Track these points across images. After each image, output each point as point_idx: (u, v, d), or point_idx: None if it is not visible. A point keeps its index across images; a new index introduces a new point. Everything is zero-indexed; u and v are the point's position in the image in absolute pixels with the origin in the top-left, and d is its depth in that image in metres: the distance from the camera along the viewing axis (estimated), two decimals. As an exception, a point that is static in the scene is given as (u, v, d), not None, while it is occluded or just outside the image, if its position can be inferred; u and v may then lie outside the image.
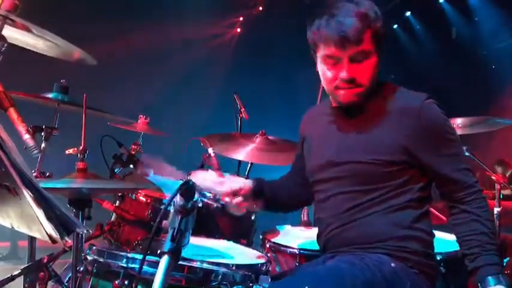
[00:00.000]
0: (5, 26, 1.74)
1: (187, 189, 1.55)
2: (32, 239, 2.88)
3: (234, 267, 2.05)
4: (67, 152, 2.50)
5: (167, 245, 1.50)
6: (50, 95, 3.17)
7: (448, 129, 1.94)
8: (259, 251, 2.56)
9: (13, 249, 5.65)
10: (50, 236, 1.17)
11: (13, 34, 1.88)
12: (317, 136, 2.15)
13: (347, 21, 1.84)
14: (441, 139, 1.91)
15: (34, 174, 2.90)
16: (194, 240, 2.28)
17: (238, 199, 2.10)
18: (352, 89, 1.92)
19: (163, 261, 1.49)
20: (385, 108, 1.95)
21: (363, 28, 1.85)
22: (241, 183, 2.13)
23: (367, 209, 1.92)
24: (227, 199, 2.12)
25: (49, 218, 1.16)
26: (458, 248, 2.63)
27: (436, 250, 2.03)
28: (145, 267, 1.89)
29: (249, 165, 3.61)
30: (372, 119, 1.96)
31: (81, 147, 2.28)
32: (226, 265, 2.06)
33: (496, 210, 3.04)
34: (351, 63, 1.89)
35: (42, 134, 3.09)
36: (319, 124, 2.15)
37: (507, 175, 4.71)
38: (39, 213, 1.16)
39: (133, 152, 3.40)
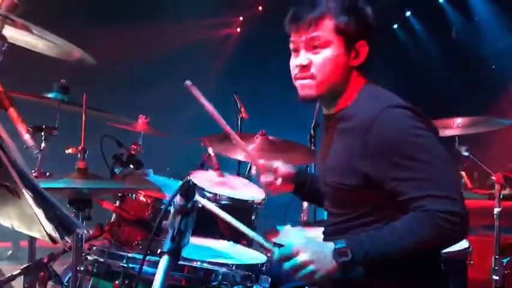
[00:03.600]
0: (5, 25, 1.73)
1: (187, 190, 1.55)
2: (32, 239, 2.88)
3: (234, 267, 2.05)
4: (67, 151, 2.50)
5: (167, 245, 1.50)
6: (50, 95, 3.18)
7: (406, 145, 1.71)
8: (260, 251, 2.56)
9: (16, 250, 5.65)
10: (50, 236, 1.18)
11: (13, 34, 1.88)
12: (321, 147, 2.11)
13: (304, 8, 1.87)
14: (395, 160, 1.70)
15: (34, 174, 2.90)
16: (194, 240, 2.28)
17: (277, 180, 2.12)
18: (305, 79, 1.86)
19: (164, 261, 1.49)
20: (350, 121, 1.83)
21: (319, 14, 1.83)
22: (284, 167, 2.15)
23: (343, 232, 1.86)
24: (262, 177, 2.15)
25: (49, 218, 1.16)
26: (458, 248, 2.63)
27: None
28: (145, 267, 1.90)
29: (249, 165, 3.61)
30: (342, 134, 1.87)
31: (80, 147, 2.28)
32: (226, 265, 2.06)
33: (496, 210, 3.03)
34: (306, 50, 1.86)
35: (42, 134, 3.10)
36: (326, 133, 2.07)
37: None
38: (39, 214, 1.16)
39: (133, 152, 3.40)
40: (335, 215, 1.94)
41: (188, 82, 2.00)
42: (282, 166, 2.16)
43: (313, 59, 1.85)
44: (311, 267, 1.65)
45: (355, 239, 1.70)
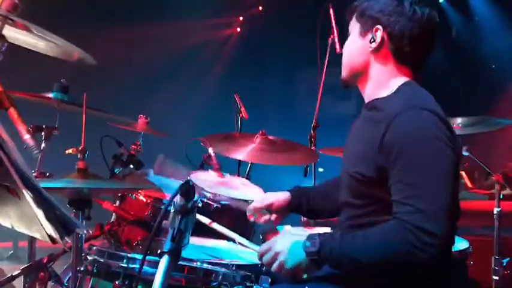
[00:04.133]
0: (5, 25, 1.73)
1: (188, 190, 1.55)
2: (32, 239, 2.88)
3: (234, 268, 2.05)
4: (67, 151, 2.50)
5: (167, 245, 1.51)
6: (50, 95, 3.17)
7: (411, 150, 1.67)
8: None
9: (16, 250, 5.65)
10: (49, 236, 1.18)
11: (13, 34, 1.88)
12: (347, 140, 2.10)
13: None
14: (401, 160, 1.67)
15: (34, 174, 2.90)
16: (194, 240, 2.28)
17: (272, 216, 2.24)
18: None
19: (164, 261, 1.49)
20: (379, 113, 1.84)
21: (353, 7, 1.99)
22: (272, 198, 2.23)
23: (355, 223, 1.85)
24: (255, 216, 2.27)
25: (49, 218, 1.16)
26: (458, 248, 2.63)
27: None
28: (145, 268, 1.89)
29: (249, 165, 3.61)
30: (369, 124, 1.88)
31: (80, 147, 2.28)
32: (226, 265, 2.06)
33: (496, 210, 3.04)
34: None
35: (42, 134, 3.10)
36: (354, 125, 2.09)
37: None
38: (39, 214, 1.16)
39: (133, 152, 3.39)
40: (351, 206, 1.91)
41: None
42: (275, 198, 2.24)
43: (345, 44, 2.04)
44: (281, 257, 1.74)
45: (328, 235, 1.74)
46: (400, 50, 1.89)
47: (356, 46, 1.96)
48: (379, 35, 1.89)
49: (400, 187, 1.66)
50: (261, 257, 1.82)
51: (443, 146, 1.68)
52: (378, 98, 1.91)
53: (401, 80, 1.90)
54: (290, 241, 1.76)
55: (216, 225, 2.21)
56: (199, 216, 1.94)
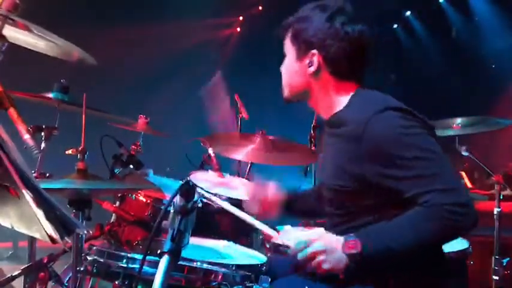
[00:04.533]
0: (6, 25, 1.73)
1: (187, 190, 1.55)
2: (32, 240, 2.88)
3: (234, 268, 2.05)
4: (67, 152, 2.50)
5: (167, 245, 1.51)
6: (50, 95, 3.17)
7: (398, 147, 1.71)
8: (260, 251, 2.56)
9: (16, 250, 5.65)
10: (50, 236, 1.17)
11: (14, 34, 1.88)
12: (321, 152, 2.17)
13: None
14: (391, 164, 1.71)
15: (34, 174, 2.90)
16: (194, 241, 2.28)
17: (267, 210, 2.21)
18: None
19: (164, 261, 1.49)
20: (342, 126, 1.87)
21: (285, 26, 2.03)
22: (268, 192, 2.22)
23: (344, 232, 1.82)
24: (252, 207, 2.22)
25: (49, 219, 1.16)
26: (458, 248, 2.64)
27: None
28: (145, 268, 1.90)
29: (249, 165, 3.61)
30: (335, 138, 1.92)
31: (80, 148, 2.28)
32: (226, 265, 2.06)
33: (496, 210, 3.04)
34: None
35: (42, 134, 3.10)
36: (323, 138, 2.13)
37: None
38: (39, 214, 1.15)
39: (133, 152, 3.39)
40: (336, 216, 1.95)
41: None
42: (270, 192, 2.23)
43: (283, 65, 2.07)
44: (321, 257, 1.69)
45: (363, 233, 1.71)
46: (338, 70, 1.93)
47: (294, 69, 2.00)
48: (315, 59, 1.93)
49: (413, 181, 1.68)
50: (298, 250, 1.76)
51: (421, 131, 1.74)
52: (334, 114, 1.94)
53: (348, 93, 1.94)
54: (329, 240, 1.72)
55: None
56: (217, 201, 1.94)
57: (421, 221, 1.66)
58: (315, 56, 1.92)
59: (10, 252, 5.59)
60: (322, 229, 1.81)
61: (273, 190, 2.23)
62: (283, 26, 2.03)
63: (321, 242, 1.72)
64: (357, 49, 1.92)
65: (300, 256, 1.73)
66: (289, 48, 2.02)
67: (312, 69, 1.93)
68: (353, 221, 1.85)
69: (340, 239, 1.70)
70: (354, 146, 1.76)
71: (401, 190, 1.70)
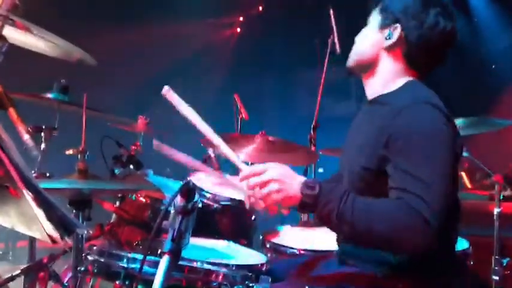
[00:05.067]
0: (5, 26, 1.73)
1: (188, 190, 1.55)
2: (32, 240, 2.88)
3: (234, 268, 2.05)
4: (67, 152, 2.50)
5: (167, 246, 1.51)
6: (50, 95, 3.17)
7: (419, 142, 1.68)
8: (260, 251, 2.56)
9: (6, 250, 5.60)
10: (50, 237, 1.17)
11: (13, 34, 1.88)
12: (348, 136, 2.10)
13: None
14: (406, 149, 1.68)
15: (34, 174, 2.90)
16: (194, 241, 2.28)
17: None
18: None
19: (164, 261, 1.49)
20: (384, 106, 1.85)
21: None
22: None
23: None
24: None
25: (49, 219, 1.16)
26: (458, 249, 2.63)
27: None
28: (145, 268, 1.89)
29: (249, 165, 3.61)
30: (375, 117, 1.87)
31: (80, 148, 2.28)
32: (226, 265, 2.06)
33: (496, 211, 3.04)
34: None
35: (42, 134, 3.10)
36: (355, 121, 2.10)
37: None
38: (39, 214, 1.15)
39: (133, 153, 3.39)
40: None
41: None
42: None
43: (360, 34, 2.02)
44: (275, 185, 1.63)
45: (330, 185, 1.66)
46: (412, 54, 1.89)
47: (371, 37, 1.96)
48: (396, 33, 1.89)
49: (405, 177, 1.65)
50: (247, 176, 1.68)
51: (446, 142, 1.70)
52: (383, 94, 1.92)
53: (407, 79, 1.92)
54: (289, 174, 1.66)
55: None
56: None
57: (390, 207, 1.62)
58: (397, 30, 1.88)
59: (3, 252, 5.55)
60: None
61: None
62: None
63: (277, 171, 1.65)
64: (440, 44, 1.91)
65: (252, 181, 1.65)
66: (374, 17, 1.97)
67: (389, 42, 1.89)
68: None
69: (301, 177, 1.67)
70: (386, 127, 1.74)
71: (393, 179, 1.68)
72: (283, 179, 1.64)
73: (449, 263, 1.86)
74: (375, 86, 1.95)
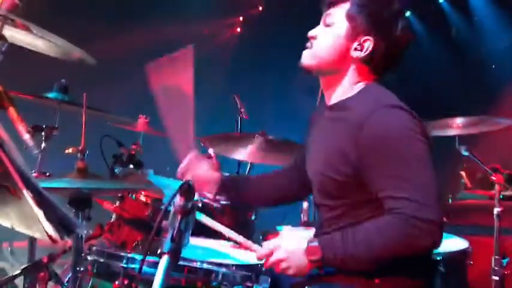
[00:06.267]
0: (5, 25, 1.73)
1: (187, 190, 1.55)
2: (32, 240, 2.88)
3: (234, 268, 2.05)
4: (67, 151, 2.50)
5: (167, 246, 1.50)
6: (50, 95, 3.18)
7: (395, 144, 1.72)
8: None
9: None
10: (50, 236, 1.17)
11: (13, 34, 1.88)
12: (311, 139, 2.12)
13: None
14: (382, 156, 1.71)
15: (34, 174, 2.90)
16: (194, 241, 2.28)
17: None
18: (306, 49, 1.94)
19: (163, 261, 1.49)
20: (346, 111, 1.86)
21: None
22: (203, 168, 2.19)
23: (334, 224, 1.87)
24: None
25: (49, 219, 1.16)
26: (457, 248, 2.64)
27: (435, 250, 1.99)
28: (145, 268, 1.89)
29: (249, 165, 3.61)
30: (337, 122, 1.89)
31: (80, 147, 2.28)
32: (226, 265, 2.06)
33: (496, 210, 3.03)
34: (322, 24, 1.94)
35: (42, 133, 3.10)
36: (316, 124, 2.12)
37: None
38: (39, 214, 1.15)
39: (133, 152, 3.40)
40: (327, 208, 1.92)
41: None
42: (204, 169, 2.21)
43: (320, 33, 1.93)
44: (284, 264, 1.73)
45: (327, 238, 1.73)
46: (378, 63, 1.90)
47: (337, 45, 1.89)
48: (367, 45, 1.87)
49: (387, 182, 1.69)
50: (261, 258, 1.79)
51: (419, 138, 1.73)
52: (343, 99, 1.92)
53: (365, 82, 1.92)
54: (293, 248, 1.74)
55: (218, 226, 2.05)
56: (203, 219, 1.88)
57: (387, 229, 1.66)
58: (367, 42, 1.86)
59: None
60: (287, 233, 1.84)
61: (206, 168, 2.21)
62: None
63: (281, 250, 1.74)
64: (403, 50, 1.92)
65: (267, 264, 1.77)
66: (340, 20, 1.89)
67: (359, 54, 1.87)
68: (346, 212, 1.84)
69: (303, 243, 1.72)
70: (355, 132, 1.75)
71: (378, 187, 1.71)
72: (290, 256, 1.72)
73: (428, 265, 1.89)
74: (334, 93, 1.94)
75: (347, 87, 1.91)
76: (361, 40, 1.87)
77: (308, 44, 1.94)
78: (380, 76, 1.94)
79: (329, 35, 1.91)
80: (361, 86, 1.91)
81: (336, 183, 1.83)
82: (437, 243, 1.66)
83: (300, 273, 1.73)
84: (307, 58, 1.94)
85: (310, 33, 1.94)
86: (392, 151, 1.71)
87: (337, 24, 1.89)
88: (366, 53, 1.87)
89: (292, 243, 1.75)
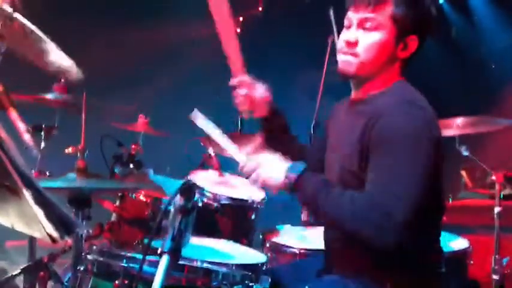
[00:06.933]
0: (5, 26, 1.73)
1: (188, 189, 1.55)
2: (32, 239, 2.88)
3: (234, 267, 2.05)
4: (66, 150, 2.50)
5: (167, 245, 1.50)
6: (50, 95, 3.18)
7: (399, 141, 1.70)
8: (260, 251, 2.56)
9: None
10: (50, 236, 1.17)
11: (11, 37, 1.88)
12: (332, 130, 2.11)
13: None
14: (382, 150, 1.71)
15: (34, 174, 2.90)
16: (194, 240, 2.28)
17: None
18: (348, 55, 1.86)
19: (163, 260, 1.49)
20: (370, 106, 1.86)
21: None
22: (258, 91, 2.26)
23: None
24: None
25: (49, 218, 1.16)
26: (458, 248, 2.64)
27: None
28: (145, 267, 1.89)
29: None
30: (360, 116, 1.86)
31: (80, 146, 2.28)
32: (226, 265, 2.06)
33: (496, 209, 3.04)
34: (358, 28, 1.85)
35: (42, 133, 3.10)
36: (335, 119, 2.10)
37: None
38: (39, 213, 1.15)
39: (133, 152, 3.40)
40: None
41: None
42: (259, 91, 2.26)
43: (362, 38, 1.84)
44: (263, 172, 1.79)
45: (312, 174, 1.78)
46: (412, 59, 1.91)
47: (386, 49, 1.85)
48: (413, 45, 1.86)
49: (377, 170, 1.70)
50: (242, 167, 1.86)
51: (428, 143, 1.71)
52: (371, 94, 1.90)
53: (396, 77, 1.91)
54: (275, 159, 1.82)
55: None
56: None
57: (355, 202, 1.65)
58: (413, 42, 1.86)
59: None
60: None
61: (262, 90, 2.25)
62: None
63: (265, 158, 1.83)
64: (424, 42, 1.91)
65: (245, 169, 1.84)
66: (385, 24, 1.83)
67: (405, 54, 1.87)
68: None
69: (286, 165, 1.78)
70: (372, 125, 1.75)
71: (370, 174, 1.71)
72: (269, 163, 1.81)
73: (430, 262, 1.89)
74: (371, 89, 1.91)
75: (381, 84, 1.90)
76: (407, 40, 1.86)
77: (346, 50, 1.87)
78: (405, 70, 1.95)
79: (374, 40, 1.84)
80: (391, 82, 1.90)
81: (352, 174, 1.82)
82: (389, 245, 1.60)
83: (271, 182, 1.78)
84: (353, 66, 1.86)
85: (349, 38, 1.86)
86: (394, 145, 1.70)
87: (383, 28, 1.83)
88: (412, 52, 1.87)
89: (276, 157, 1.83)
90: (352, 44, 1.85)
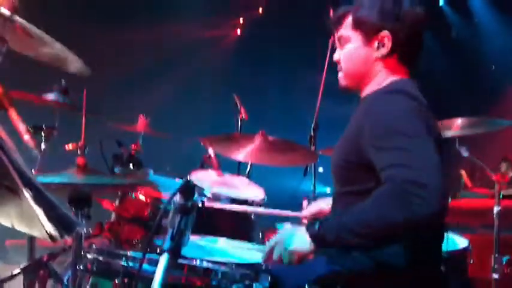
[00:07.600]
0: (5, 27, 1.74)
1: (187, 189, 1.56)
2: (31, 239, 2.89)
3: (233, 266, 2.06)
4: (67, 147, 2.50)
5: (167, 244, 1.51)
6: (50, 96, 3.18)
7: (391, 123, 1.73)
8: (260, 250, 2.56)
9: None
10: (50, 235, 1.18)
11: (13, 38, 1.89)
12: None
13: (338, 7, 2.04)
14: (380, 136, 1.73)
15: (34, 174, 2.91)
16: (194, 239, 2.29)
17: None
18: (339, 72, 2.06)
19: (163, 259, 1.50)
20: (363, 104, 1.98)
21: (341, 13, 2.00)
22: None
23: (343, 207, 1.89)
24: None
25: (49, 217, 1.17)
26: (458, 247, 2.64)
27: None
28: (145, 266, 1.90)
29: (249, 165, 3.62)
30: (356, 115, 1.97)
31: (80, 143, 2.28)
32: (226, 263, 2.07)
33: (496, 209, 3.04)
34: (339, 47, 2.03)
35: (42, 134, 3.10)
36: None
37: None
38: (39, 213, 1.16)
39: (133, 152, 3.40)
40: (341, 195, 1.97)
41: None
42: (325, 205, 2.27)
43: (341, 54, 2.03)
44: (277, 247, 1.78)
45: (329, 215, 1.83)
46: (403, 49, 1.94)
47: (360, 55, 1.97)
48: (386, 40, 1.91)
49: (382, 155, 1.69)
50: (266, 259, 1.86)
51: (417, 118, 1.73)
52: (367, 94, 1.99)
53: (396, 77, 1.96)
54: (287, 231, 1.81)
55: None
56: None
57: (380, 197, 1.60)
58: (385, 37, 1.91)
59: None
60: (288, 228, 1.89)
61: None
62: (337, 16, 2.02)
63: (276, 236, 1.83)
64: (420, 30, 1.99)
65: (271, 258, 1.83)
66: (349, 36, 1.97)
67: (383, 51, 1.92)
68: (353, 197, 1.82)
69: (302, 228, 1.77)
70: (361, 121, 1.83)
71: (377, 163, 1.70)
72: (281, 237, 1.81)
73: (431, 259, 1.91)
74: (369, 89, 2.00)
75: (375, 84, 1.98)
76: (379, 38, 1.92)
77: (338, 67, 2.06)
78: (411, 65, 2.00)
79: (348, 51, 2.00)
80: (389, 80, 1.95)
81: (348, 171, 1.89)
82: (435, 212, 1.54)
83: (299, 249, 1.74)
84: (343, 80, 2.05)
85: (334, 58, 2.06)
86: (388, 129, 1.72)
87: (351, 39, 1.97)
88: (389, 47, 1.92)
89: (287, 230, 1.84)
90: (338, 62, 2.05)
